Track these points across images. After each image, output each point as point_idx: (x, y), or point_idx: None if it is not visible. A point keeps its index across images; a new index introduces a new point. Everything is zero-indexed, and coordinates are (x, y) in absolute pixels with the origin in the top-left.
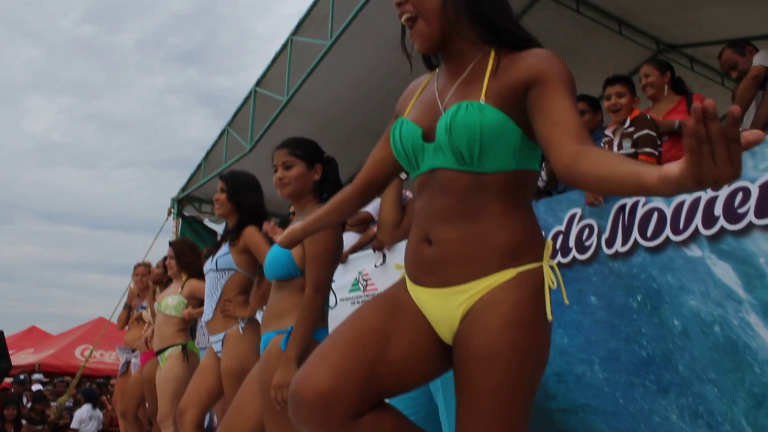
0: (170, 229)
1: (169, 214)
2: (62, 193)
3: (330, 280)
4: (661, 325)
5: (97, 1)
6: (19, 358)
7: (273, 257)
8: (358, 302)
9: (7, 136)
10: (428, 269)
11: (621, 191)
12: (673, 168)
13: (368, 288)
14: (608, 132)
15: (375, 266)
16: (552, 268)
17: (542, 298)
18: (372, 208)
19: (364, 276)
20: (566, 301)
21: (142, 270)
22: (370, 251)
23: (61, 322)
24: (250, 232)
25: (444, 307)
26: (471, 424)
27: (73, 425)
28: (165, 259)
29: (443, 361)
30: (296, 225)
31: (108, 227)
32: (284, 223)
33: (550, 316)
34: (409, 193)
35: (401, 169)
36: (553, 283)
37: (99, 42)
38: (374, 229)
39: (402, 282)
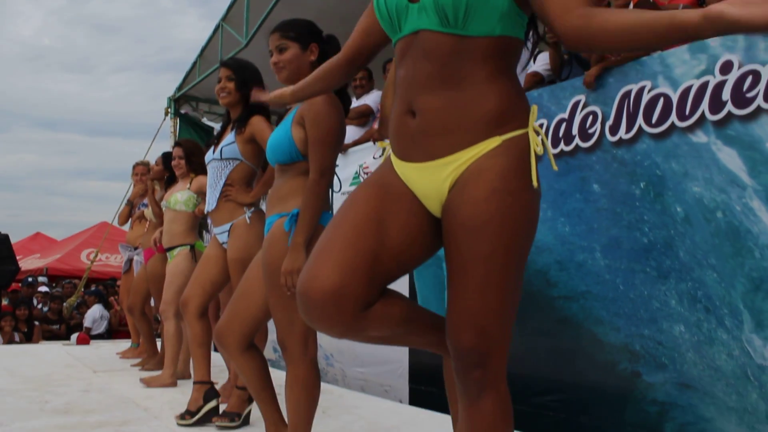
0: (168, 130)
1: (167, 114)
2: (58, 99)
3: (334, 163)
4: (664, 212)
5: None
6: (26, 263)
7: (275, 141)
8: None
9: None
10: (413, 142)
11: (649, 38)
12: (723, 6)
13: None
14: None
15: (374, 158)
16: (538, 133)
17: (528, 165)
18: (371, 100)
19: (365, 169)
20: (555, 168)
21: (142, 169)
22: (370, 144)
23: (65, 229)
24: (257, 121)
25: (431, 180)
26: (461, 294)
27: (87, 324)
28: (164, 156)
29: (439, 236)
30: (286, 89)
31: (106, 133)
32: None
33: (536, 183)
34: None
35: (388, 38)
36: (539, 149)
37: None
38: (375, 125)
39: (388, 162)
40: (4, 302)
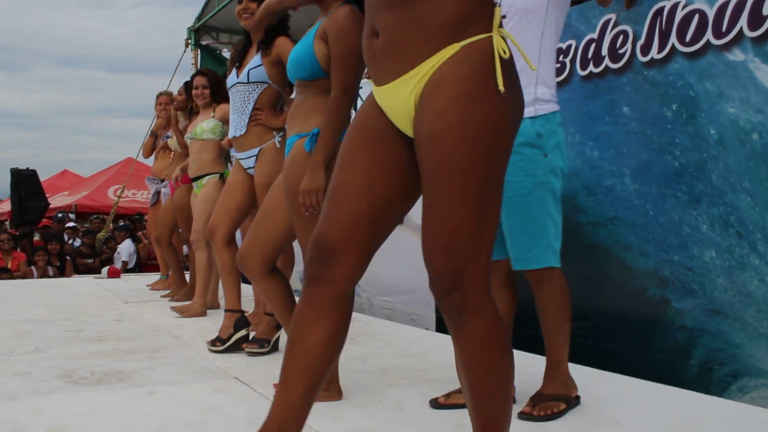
0: (189, 62)
1: (187, 45)
2: (78, 36)
3: (358, 81)
4: (696, 135)
5: None
6: (55, 200)
7: (296, 56)
8: None
9: None
10: (380, 63)
11: None
12: None
13: None
14: None
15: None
16: (504, 37)
17: (492, 69)
18: None
19: None
20: (532, 68)
21: (165, 99)
22: None
23: (91, 166)
24: (283, 42)
25: (398, 99)
26: (428, 212)
27: (123, 258)
28: (186, 86)
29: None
30: None
31: (127, 69)
32: None
33: (502, 88)
34: None
35: None
36: (504, 52)
37: None
38: None
39: (370, 95)
40: (36, 237)
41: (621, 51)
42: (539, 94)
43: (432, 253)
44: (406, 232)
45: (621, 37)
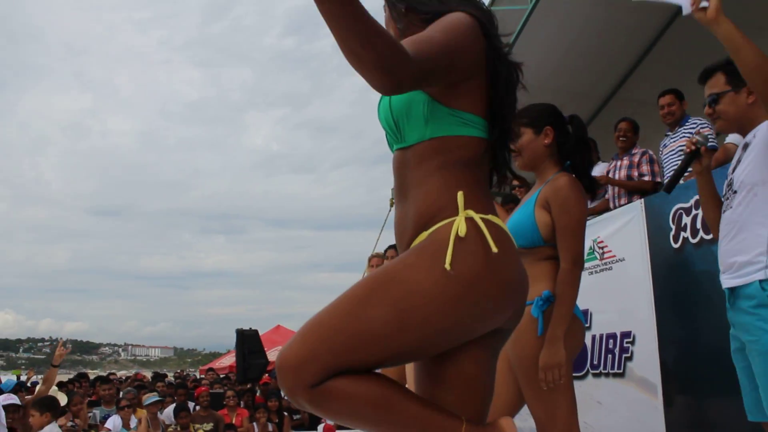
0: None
1: (392, 205)
2: (287, 199)
3: (584, 251)
4: None
5: (293, 15)
6: (271, 354)
7: (515, 225)
8: (596, 272)
9: (232, 153)
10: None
11: None
12: None
13: (605, 256)
14: None
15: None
16: (471, 218)
17: (441, 247)
18: (597, 171)
19: (599, 244)
20: (494, 249)
21: (377, 261)
22: (605, 215)
23: (301, 320)
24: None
25: None
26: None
27: None
28: (393, 248)
29: None
30: None
31: (331, 227)
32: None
33: (448, 266)
34: None
35: None
36: (461, 232)
37: (301, 52)
38: (607, 194)
39: None
40: (257, 394)
41: None
42: None
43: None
44: (629, 385)
45: None
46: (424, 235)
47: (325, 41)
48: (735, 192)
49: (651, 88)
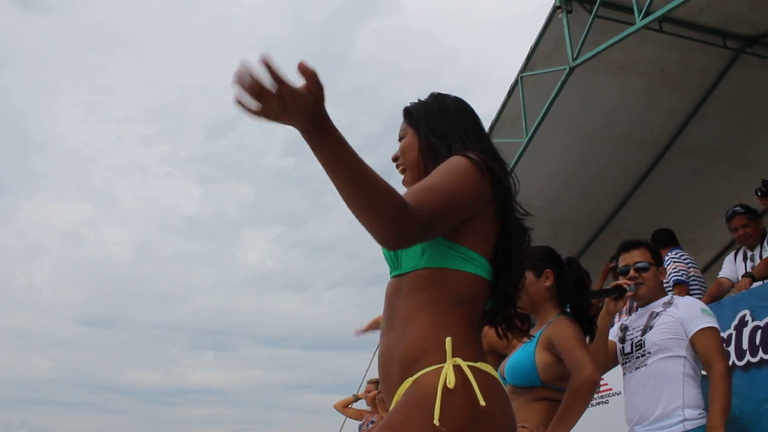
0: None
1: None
2: (279, 317)
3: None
4: None
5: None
6: None
7: (514, 364)
8: (591, 405)
9: (227, 269)
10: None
11: None
12: None
13: (602, 389)
14: None
15: None
16: (459, 367)
17: (429, 401)
18: None
19: None
20: (482, 402)
21: (372, 387)
22: None
23: None
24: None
25: None
26: None
27: None
28: (376, 382)
29: None
30: None
31: (322, 347)
32: None
33: (436, 421)
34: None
35: None
36: (449, 383)
37: (299, 172)
38: None
39: None
40: None
41: None
42: (686, 415)
43: None
44: None
45: None
46: (410, 381)
47: None
48: (649, 353)
49: (643, 220)
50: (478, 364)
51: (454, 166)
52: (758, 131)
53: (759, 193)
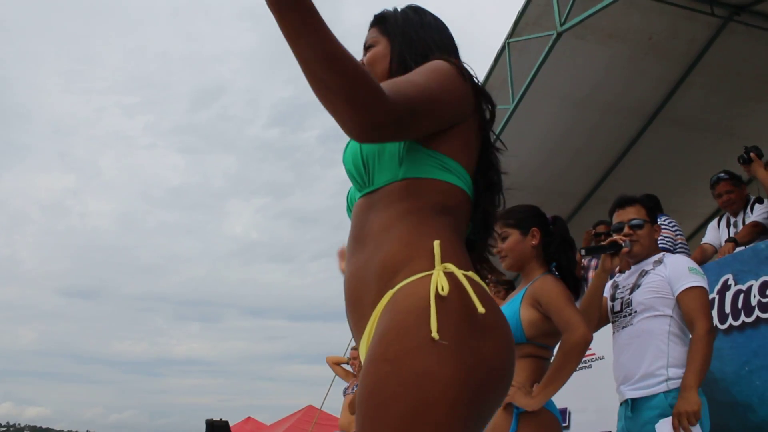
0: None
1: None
2: (264, 288)
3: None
4: None
5: (279, 106)
6: None
7: None
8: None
9: (212, 240)
10: (351, 325)
11: None
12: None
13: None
14: None
15: None
16: (452, 273)
17: (420, 314)
18: None
19: None
20: (481, 309)
21: (355, 353)
22: None
23: (272, 412)
24: None
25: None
26: None
27: None
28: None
29: None
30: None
31: (308, 318)
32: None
33: (435, 335)
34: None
35: None
36: (442, 289)
37: (285, 143)
38: None
39: None
40: None
41: None
42: (671, 374)
43: None
44: None
45: None
46: (390, 294)
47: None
48: (636, 312)
49: (628, 189)
50: (470, 273)
51: (434, 66)
52: (744, 101)
53: (741, 161)
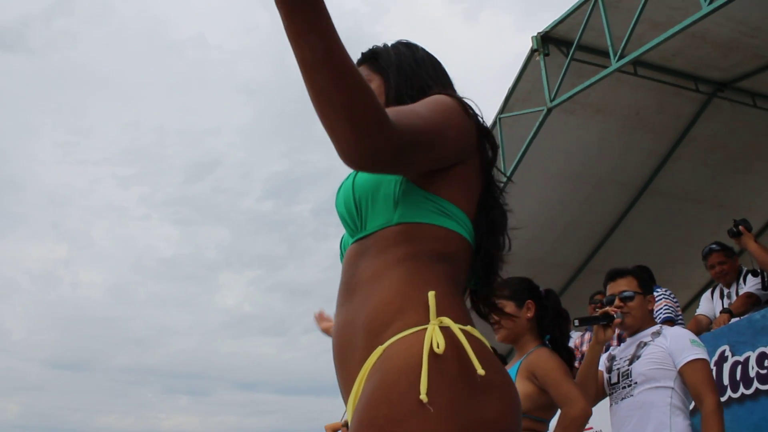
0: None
1: None
2: (255, 361)
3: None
4: None
5: (273, 179)
6: None
7: None
8: None
9: (203, 312)
10: (339, 381)
11: None
12: None
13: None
14: None
15: None
16: (448, 328)
17: (411, 373)
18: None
19: None
20: (480, 371)
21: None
22: None
23: None
24: None
25: None
26: None
27: None
28: None
29: None
30: None
31: (299, 392)
32: None
33: (424, 396)
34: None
35: None
36: (438, 346)
37: (278, 215)
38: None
39: None
40: None
41: None
42: None
43: None
44: None
45: None
46: (379, 351)
47: (303, 206)
48: (636, 383)
49: (620, 261)
50: (468, 328)
51: (438, 100)
52: (731, 173)
53: (731, 234)
